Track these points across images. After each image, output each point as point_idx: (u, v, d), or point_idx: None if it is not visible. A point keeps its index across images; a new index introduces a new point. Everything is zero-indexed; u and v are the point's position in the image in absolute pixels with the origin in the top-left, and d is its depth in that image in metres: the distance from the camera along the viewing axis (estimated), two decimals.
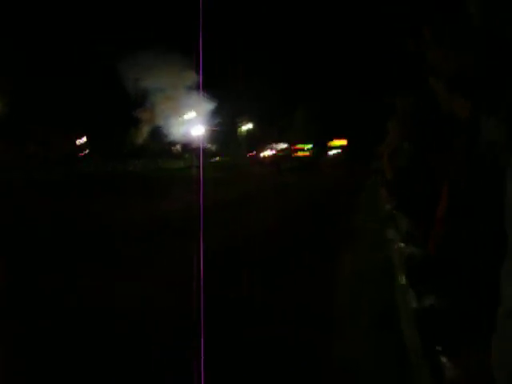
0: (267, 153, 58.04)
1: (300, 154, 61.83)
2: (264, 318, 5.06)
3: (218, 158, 47.37)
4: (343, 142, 65.89)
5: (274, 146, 61.10)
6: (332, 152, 64.97)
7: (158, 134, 45.09)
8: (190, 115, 44.81)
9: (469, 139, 1.47)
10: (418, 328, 2.07)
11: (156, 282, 6.49)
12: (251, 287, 6.13)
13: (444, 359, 1.65)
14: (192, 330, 4.38)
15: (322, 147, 61.89)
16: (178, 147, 44.86)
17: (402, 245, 3.37)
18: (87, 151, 39.10)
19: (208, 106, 47.24)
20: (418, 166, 2.88)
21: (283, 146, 62.31)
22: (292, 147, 63.13)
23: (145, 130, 44.78)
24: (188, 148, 45.09)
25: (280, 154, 59.44)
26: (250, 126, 54.26)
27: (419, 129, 2.53)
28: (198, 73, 40.64)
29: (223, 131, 50.71)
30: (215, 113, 48.52)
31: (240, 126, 53.41)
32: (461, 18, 1.31)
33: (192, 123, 45.62)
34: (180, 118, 44.11)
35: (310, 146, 64.25)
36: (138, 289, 6.18)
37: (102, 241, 9.33)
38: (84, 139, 39.80)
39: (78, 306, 5.59)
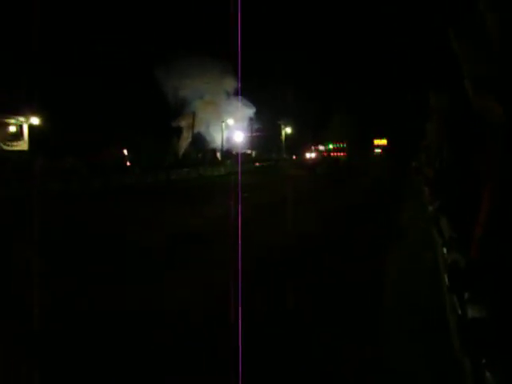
0: (310, 155, 57.90)
1: (336, 154, 62.10)
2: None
3: (257, 164, 47.37)
4: (384, 142, 65.93)
5: (315, 147, 60.95)
6: (374, 151, 65.08)
7: (198, 141, 45.36)
8: (230, 121, 44.96)
9: (507, 143, 1.39)
10: (461, 339, 1.99)
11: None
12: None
13: (488, 373, 1.57)
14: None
15: (361, 147, 61.74)
16: (219, 154, 45.03)
17: (445, 250, 3.26)
18: (128, 163, 39.62)
19: (247, 111, 47.43)
20: (457, 168, 2.78)
21: (323, 147, 62.15)
22: (327, 148, 63.65)
23: (185, 138, 45.07)
24: (228, 154, 45.22)
25: (323, 155, 59.46)
26: (288, 129, 54.18)
27: (457, 130, 2.45)
28: (236, 78, 40.80)
29: (263, 136, 50.79)
30: (255, 118, 48.71)
31: (281, 130, 53.39)
32: (480, 17, 1.25)
33: (232, 129, 45.80)
34: (220, 125, 44.30)
35: (344, 145, 64.55)
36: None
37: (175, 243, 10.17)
38: (125, 151, 40.33)
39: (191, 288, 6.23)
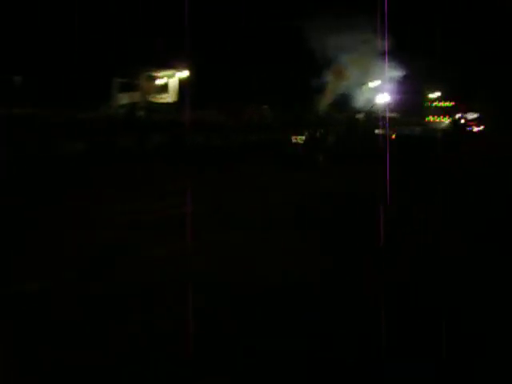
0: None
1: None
2: None
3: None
4: None
5: (464, 115, 57.34)
6: None
7: (340, 102, 43.96)
8: (376, 83, 43.05)
9: None
10: None
11: None
12: None
13: None
14: None
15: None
16: (362, 116, 43.40)
17: None
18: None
19: (393, 73, 45.16)
20: None
21: (474, 115, 58.25)
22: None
23: (327, 98, 43.82)
24: (370, 117, 43.48)
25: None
26: (437, 94, 51.21)
27: None
28: (385, 37, 38.63)
29: (409, 100, 48.43)
30: (400, 81, 46.36)
31: (427, 95, 50.63)
32: None
33: (377, 91, 43.93)
34: (365, 86, 42.56)
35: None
36: None
37: None
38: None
39: None
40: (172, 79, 32.30)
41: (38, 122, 23.27)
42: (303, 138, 31.92)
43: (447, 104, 49.92)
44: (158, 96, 32.17)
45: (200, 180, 14.51)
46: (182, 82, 31.64)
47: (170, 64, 31.03)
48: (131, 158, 23.72)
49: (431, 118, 48.30)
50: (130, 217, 11.46)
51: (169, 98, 32.27)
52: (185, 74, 31.39)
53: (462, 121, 53.07)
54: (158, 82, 32.46)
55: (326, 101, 43.47)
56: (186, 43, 28.14)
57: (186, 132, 25.44)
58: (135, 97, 32.22)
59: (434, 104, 49.71)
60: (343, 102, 43.55)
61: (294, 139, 31.57)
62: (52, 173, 18.44)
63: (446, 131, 44.71)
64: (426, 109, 50.78)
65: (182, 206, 10.62)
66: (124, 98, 32.11)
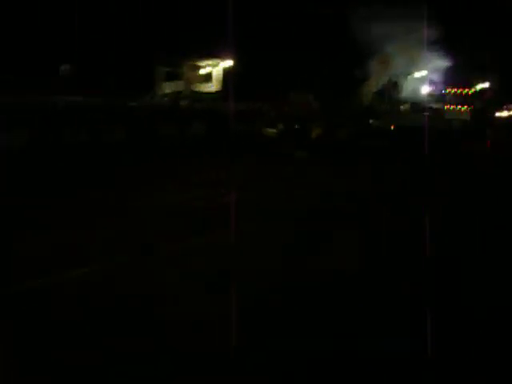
0: (503, 113, 52.88)
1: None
2: None
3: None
4: None
5: (510, 106, 55.73)
6: None
7: (384, 91, 43.33)
8: (421, 73, 42.23)
9: None
10: None
11: None
12: None
13: None
14: None
15: None
16: (407, 107, 42.69)
17: None
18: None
19: (440, 63, 44.21)
20: None
21: None
22: None
23: (371, 88, 43.21)
24: (416, 108, 42.72)
25: None
26: (485, 85, 49.84)
27: None
28: (434, 26, 37.80)
29: (456, 91, 47.22)
30: (447, 71, 45.34)
31: (475, 85, 49.31)
32: None
33: (422, 81, 43.10)
34: (410, 76, 41.81)
35: None
36: None
37: None
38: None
39: None
40: (216, 68, 32.41)
41: (86, 110, 23.72)
42: (274, 131, 29.31)
43: (471, 91, 43.00)
44: (202, 85, 32.35)
45: (240, 169, 14.47)
46: (225, 72, 31.74)
47: (214, 53, 31.12)
48: (174, 146, 23.95)
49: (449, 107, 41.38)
50: (173, 204, 11.59)
51: (212, 87, 32.42)
52: (229, 63, 31.45)
53: (505, 112, 48.97)
54: (202, 71, 32.61)
55: (370, 90, 42.87)
56: (230, 32, 28.13)
57: (228, 121, 25.54)
58: (179, 86, 32.46)
59: (453, 91, 42.79)
60: (388, 92, 42.94)
61: (264, 132, 29.08)
62: (101, 160, 18.82)
63: (464, 122, 39.38)
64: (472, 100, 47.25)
65: (226, 195, 10.64)
66: (168, 87, 32.39)
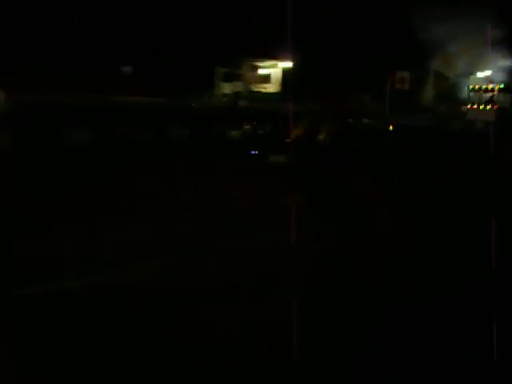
0: None
1: None
2: None
3: None
4: None
5: None
6: None
7: (443, 93, 42.47)
8: (485, 73, 41.19)
9: None
10: None
11: None
12: None
13: None
14: None
15: None
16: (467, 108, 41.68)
17: None
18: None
19: (504, 63, 43.08)
20: None
21: None
22: None
23: (429, 90, 42.47)
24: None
25: None
26: None
27: None
28: (498, 25, 36.83)
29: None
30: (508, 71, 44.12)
31: None
32: None
33: (485, 81, 42.01)
34: (472, 76, 40.84)
35: None
36: None
37: None
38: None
39: None
40: (275, 69, 32.49)
41: (148, 110, 24.23)
42: (239, 133, 26.80)
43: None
44: (261, 86, 32.47)
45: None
46: (285, 73, 31.78)
47: (273, 54, 31.21)
48: (233, 145, 24.07)
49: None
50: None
51: (271, 88, 32.51)
52: (288, 64, 31.48)
53: None
54: (261, 72, 32.74)
55: (427, 92, 42.12)
56: (289, 33, 28.13)
57: (286, 122, 25.52)
58: (238, 86, 32.68)
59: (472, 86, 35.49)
60: (450, 92, 42.04)
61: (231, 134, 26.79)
62: (164, 157, 19.18)
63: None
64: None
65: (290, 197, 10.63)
66: (227, 88, 32.64)
